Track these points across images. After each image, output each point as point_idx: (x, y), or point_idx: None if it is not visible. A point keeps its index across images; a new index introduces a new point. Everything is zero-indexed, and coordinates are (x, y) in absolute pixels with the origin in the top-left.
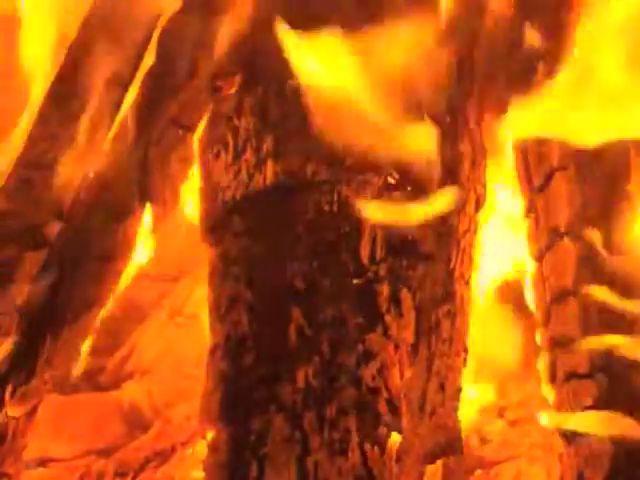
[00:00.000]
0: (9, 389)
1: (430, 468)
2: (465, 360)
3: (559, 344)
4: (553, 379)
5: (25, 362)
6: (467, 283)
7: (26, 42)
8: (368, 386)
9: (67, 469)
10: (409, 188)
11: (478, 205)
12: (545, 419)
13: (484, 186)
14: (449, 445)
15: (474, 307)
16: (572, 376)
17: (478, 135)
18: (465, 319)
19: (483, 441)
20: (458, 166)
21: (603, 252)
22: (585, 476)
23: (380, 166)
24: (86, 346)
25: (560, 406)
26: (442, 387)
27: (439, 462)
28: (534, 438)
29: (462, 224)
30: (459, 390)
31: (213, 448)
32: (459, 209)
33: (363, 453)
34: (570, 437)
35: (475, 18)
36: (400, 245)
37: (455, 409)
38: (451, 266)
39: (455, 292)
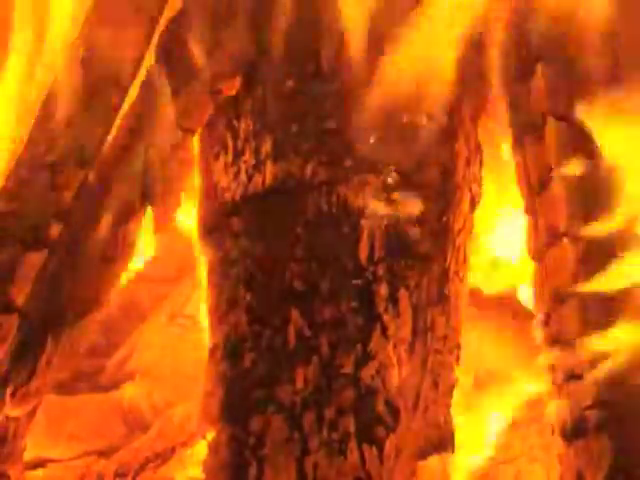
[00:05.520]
0: (10, 390)
1: (425, 465)
2: (458, 357)
3: (559, 344)
4: (553, 379)
5: (26, 363)
6: (461, 281)
7: None
8: (367, 386)
9: (67, 469)
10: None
11: (473, 204)
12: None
13: (480, 185)
14: (440, 442)
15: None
16: (572, 376)
17: (473, 134)
18: (459, 317)
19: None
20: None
21: None
22: (585, 476)
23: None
24: (86, 347)
25: (560, 406)
26: (436, 384)
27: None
28: (534, 438)
29: (457, 223)
30: (452, 387)
31: (213, 448)
32: (454, 208)
33: (362, 453)
34: (570, 437)
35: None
36: (398, 245)
37: (448, 406)
38: (446, 264)
39: (450, 290)
